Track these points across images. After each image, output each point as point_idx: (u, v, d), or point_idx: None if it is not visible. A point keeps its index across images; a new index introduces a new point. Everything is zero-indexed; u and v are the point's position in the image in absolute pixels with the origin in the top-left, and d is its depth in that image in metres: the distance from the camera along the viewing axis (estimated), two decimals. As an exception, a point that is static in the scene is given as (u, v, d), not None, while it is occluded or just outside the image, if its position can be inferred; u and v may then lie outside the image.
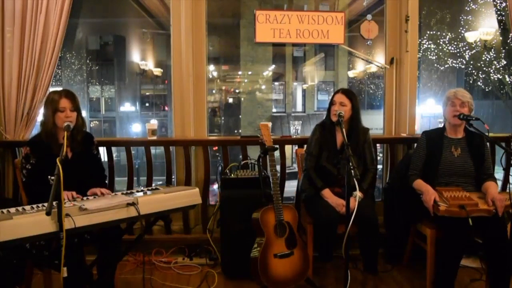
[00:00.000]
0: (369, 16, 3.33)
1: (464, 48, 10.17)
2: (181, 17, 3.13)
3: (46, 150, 2.18)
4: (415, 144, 2.73)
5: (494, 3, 5.79)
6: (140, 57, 11.73)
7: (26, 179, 2.20)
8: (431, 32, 10.27)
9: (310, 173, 2.67)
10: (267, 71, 12.01)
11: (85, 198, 2.05)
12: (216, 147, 6.01)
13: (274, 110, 12.87)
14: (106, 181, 2.46)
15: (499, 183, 2.97)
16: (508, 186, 2.39)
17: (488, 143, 2.51)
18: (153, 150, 3.22)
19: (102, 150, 2.73)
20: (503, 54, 9.76)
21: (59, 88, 2.53)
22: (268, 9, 3.42)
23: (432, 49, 10.49)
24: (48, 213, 1.59)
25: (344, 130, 2.33)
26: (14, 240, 1.57)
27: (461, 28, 9.96)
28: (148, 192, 2.06)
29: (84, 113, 2.31)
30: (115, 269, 2.24)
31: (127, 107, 13.14)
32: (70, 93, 2.23)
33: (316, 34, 3.20)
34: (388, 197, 2.92)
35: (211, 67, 11.48)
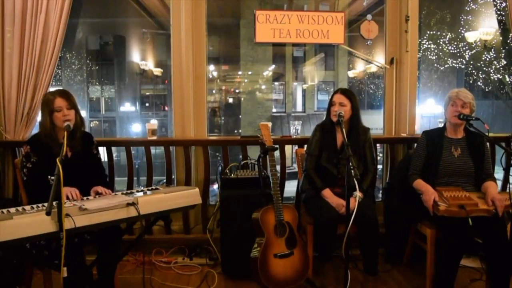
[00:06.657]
0: (369, 16, 3.33)
1: (464, 48, 10.17)
2: (181, 17, 3.13)
3: (46, 149, 2.17)
4: (415, 144, 2.72)
5: (494, 3, 5.78)
6: (140, 57, 11.75)
7: (27, 178, 2.18)
8: (431, 32, 10.27)
9: (310, 173, 2.66)
10: (267, 71, 12.02)
11: (85, 198, 2.05)
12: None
13: (274, 110, 12.89)
14: (107, 180, 2.45)
15: (499, 183, 2.97)
16: (508, 186, 2.39)
17: (488, 143, 2.51)
18: (153, 150, 3.22)
19: (102, 150, 2.74)
20: (503, 54, 9.77)
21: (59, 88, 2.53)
22: (268, 9, 3.42)
23: (432, 49, 10.49)
24: (48, 213, 1.59)
25: (344, 130, 2.32)
26: (14, 240, 1.57)
27: (461, 28, 9.96)
28: (148, 192, 2.06)
29: (84, 113, 2.32)
30: (115, 269, 2.24)
31: (127, 107, 13.17)
32: (64, 92, 2.23)
33: (316, 34, 3.20)
34: (388, 197, 2.92)
35: (211, 67, 11.49)
